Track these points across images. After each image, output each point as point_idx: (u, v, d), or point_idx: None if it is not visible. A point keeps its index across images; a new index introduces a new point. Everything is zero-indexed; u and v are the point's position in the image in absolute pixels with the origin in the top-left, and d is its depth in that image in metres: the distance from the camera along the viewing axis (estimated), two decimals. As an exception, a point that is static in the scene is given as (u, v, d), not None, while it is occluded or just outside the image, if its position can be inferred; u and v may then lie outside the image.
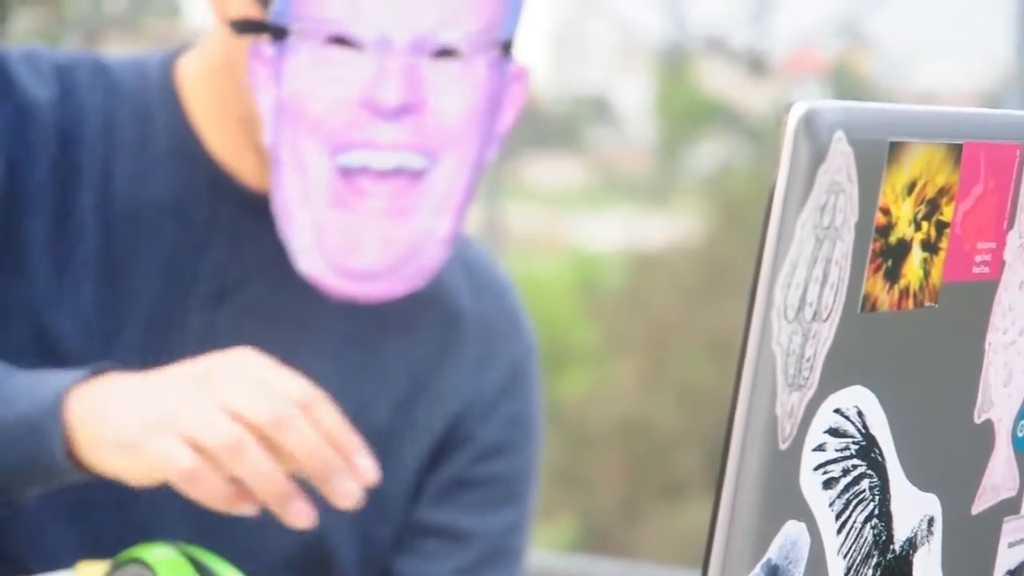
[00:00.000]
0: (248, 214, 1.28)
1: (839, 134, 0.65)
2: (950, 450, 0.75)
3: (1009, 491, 0.79)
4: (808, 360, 0.67)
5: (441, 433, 1.35)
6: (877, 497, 0.72)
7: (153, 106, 1.29)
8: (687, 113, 13.72)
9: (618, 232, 11.02)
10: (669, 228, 10.68)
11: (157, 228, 1.27)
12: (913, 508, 0.74)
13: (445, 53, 1.20)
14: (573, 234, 13.53)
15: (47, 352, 1.24)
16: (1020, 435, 0.79)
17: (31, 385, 1.11)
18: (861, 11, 11.06)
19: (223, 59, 1.26)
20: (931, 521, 0.75)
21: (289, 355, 1.27)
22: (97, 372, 1.11)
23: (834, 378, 0.68)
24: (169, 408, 1.07)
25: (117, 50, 10.07)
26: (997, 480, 0.78)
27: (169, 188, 1.28)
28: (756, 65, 10.72)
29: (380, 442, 1.23)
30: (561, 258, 12.52)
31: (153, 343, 1.26)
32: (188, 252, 1.28)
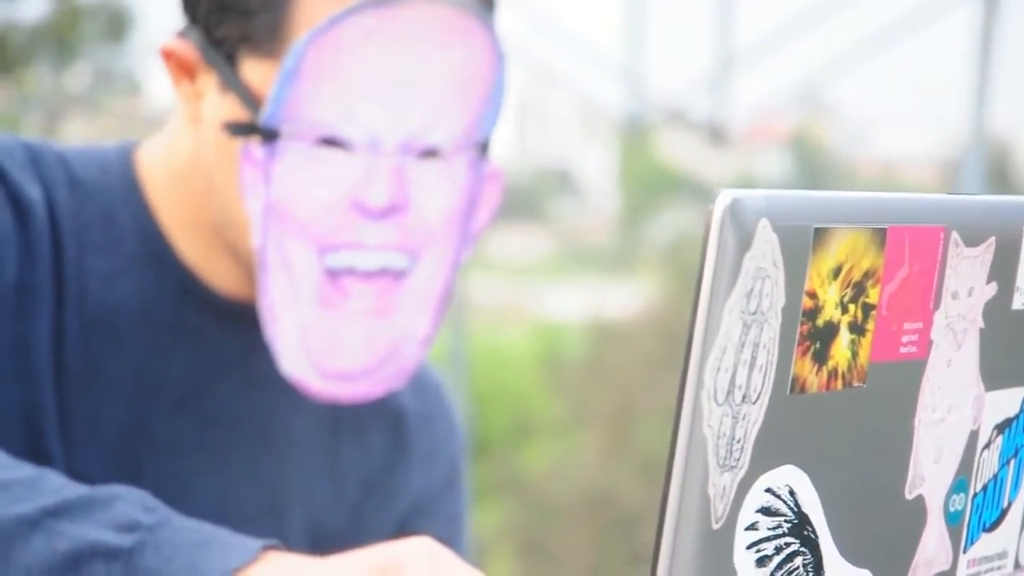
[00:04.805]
0: (213, 320, 1.27)
1: (764, 222, 0.67)
2: (882, 526, 0.77)
3: (942, 565, 0.81)
4: (739, 441, 0.68)
5: (391, 535, 1.35)
6: (811, 574, 0.73)
7: (118, 205, 1.26)
8: (648, 184, 13.81)
9: (581, 302, 11.05)
10: (631, 298, 10.72)
11: (127, 333, 1.25)
12: (847, 584, 0.75)
13: (429, 153, 1.20)
14: (536, 305, 13.56)
15: (44, 460, 1.20)
16: (952, 510, 0.81)
17: (184, 544, 1.03)
18: (820, 80, 11.16)
19: (191, 161, 1.25)
20: (865, 597, 0.76)
21: (250, 461, 1.28)
22: (267, 548, 1.04)
23: (765, 458, 0.70)
24: None
25: (78, 128, 10.07)
26: (930, 555, 0.80)
27: (138, 292, 1.26)
28: (716, 135, 10.80)
29: (334, 548, 1.23)
30: (525, 329, 12.54)
31: (121, 451, 1.24)
32: (155, 358, 1.26)
